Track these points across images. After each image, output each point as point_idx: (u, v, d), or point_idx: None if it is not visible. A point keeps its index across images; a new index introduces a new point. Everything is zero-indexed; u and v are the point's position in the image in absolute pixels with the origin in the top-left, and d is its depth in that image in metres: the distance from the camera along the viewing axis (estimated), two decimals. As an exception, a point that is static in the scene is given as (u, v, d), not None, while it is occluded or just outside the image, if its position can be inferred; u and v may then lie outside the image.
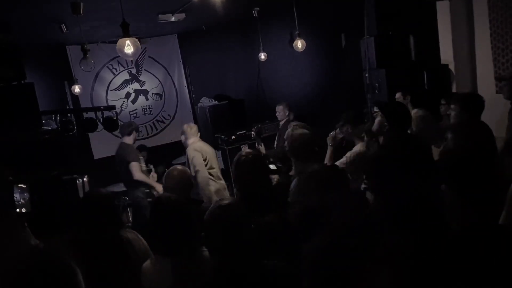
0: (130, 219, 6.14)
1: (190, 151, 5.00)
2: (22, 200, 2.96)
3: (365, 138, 3.84)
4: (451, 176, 1.65)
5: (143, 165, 5.75)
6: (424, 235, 1.53)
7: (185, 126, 5.30)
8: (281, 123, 6.44)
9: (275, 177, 3.59)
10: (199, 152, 4.97)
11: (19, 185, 3.02)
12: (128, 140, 5.55)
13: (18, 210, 2.75)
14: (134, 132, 5.58)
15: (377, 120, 3.60)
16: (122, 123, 5.93)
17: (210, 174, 5.02)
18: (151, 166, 6.16)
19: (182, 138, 5.26)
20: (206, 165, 4.98)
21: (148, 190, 5.63)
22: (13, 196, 2.65)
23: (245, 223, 1.90)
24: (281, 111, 6.38)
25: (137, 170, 5.38)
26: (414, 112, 4.66)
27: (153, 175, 5.82)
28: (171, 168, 3.43)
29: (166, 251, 2.27)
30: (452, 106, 3.46)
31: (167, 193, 2.81)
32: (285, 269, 1.81)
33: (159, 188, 5.29)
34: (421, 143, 3.29)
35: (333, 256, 0.94)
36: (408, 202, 1.67)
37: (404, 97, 4.88)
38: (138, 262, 2.41)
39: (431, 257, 1.47)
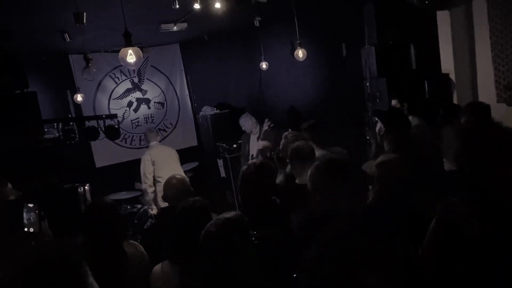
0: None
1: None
2: (30, 220, 2.93)
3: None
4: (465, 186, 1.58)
5: None
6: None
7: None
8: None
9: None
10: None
11: (28, 205, 3.01)
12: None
13: (26, 229, 2.73)
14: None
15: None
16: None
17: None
18: None
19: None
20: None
21: None
22: (22, 216, 2.62)
23: (243, 243, 1.87)
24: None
25: None
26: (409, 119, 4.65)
27: None
28: (169, 177, 3.39)
29: (174, 257, 2.30)
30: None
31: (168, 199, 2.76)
32: None
33: None
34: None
35: (328, 263, 0.94)
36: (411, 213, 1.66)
37: (401, 104, 4.81)
38: (134, 277, 2.39)
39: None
